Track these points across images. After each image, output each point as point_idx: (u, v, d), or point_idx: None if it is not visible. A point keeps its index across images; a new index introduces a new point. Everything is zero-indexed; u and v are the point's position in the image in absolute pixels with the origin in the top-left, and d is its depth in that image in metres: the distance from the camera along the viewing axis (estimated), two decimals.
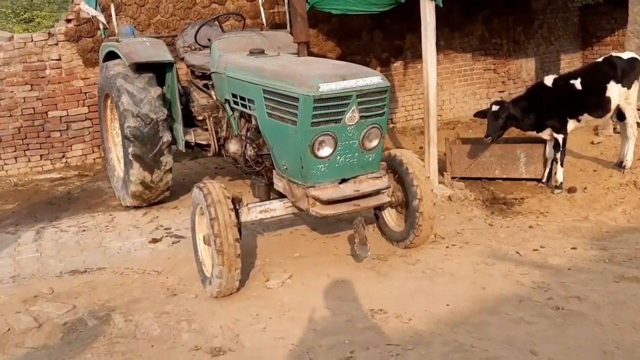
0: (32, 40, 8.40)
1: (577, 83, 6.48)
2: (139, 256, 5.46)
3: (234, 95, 5.40)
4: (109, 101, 6.80)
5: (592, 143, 8.29)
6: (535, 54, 12.34)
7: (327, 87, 4.15)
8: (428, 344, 3.68)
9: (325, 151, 4.35)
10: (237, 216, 4.51)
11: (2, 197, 7.51)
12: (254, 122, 5.18)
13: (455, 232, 5.56)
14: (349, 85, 4.22)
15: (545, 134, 6.61)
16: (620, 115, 6.76)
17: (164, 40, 6.76)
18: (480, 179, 7.09)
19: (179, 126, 6.37)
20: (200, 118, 6.40)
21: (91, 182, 8.05)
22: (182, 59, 6.73)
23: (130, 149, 6.12)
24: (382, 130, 4.54)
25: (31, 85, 8.46)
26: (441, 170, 6.94)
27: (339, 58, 9.82)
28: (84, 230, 6.16)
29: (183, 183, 7.60)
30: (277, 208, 4.83)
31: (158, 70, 6.36)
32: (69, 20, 8.55)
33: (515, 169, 6.94)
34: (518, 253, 5.01)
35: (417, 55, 10.62)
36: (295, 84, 4.29)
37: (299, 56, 5.10)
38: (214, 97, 6.15)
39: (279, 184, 4.89)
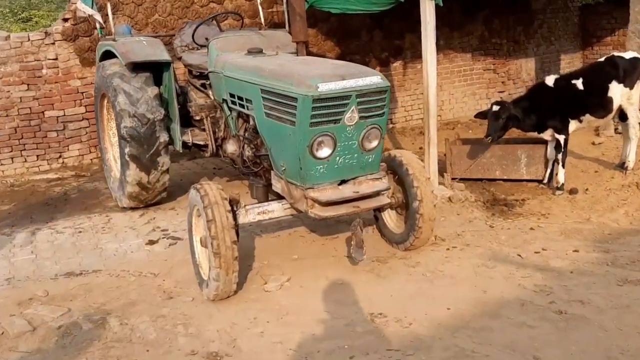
0: (28, 40, 8.32)
1: (579, 83, 6.41)
2: (136, 258, 5.39)
3: (232, 95, 5.33)
4: (106, 101, 6.72)
5: (593, 144, 8.23)
6: (535, 54, 12.29)
7: (326, 87, 4.08)
8: (428, 348, 3.62)
9: (324, 152, 4.28)
10: (235, 218, 4.45)
11: None
12: (251, 122, 5.11)
13: (456, 234, 5.50)
14: (348, 85, 4.16)
15: (547, 135, 6.55)
16: (622, 116, 6.70)
17: (162, 39, 6.69)
18: (481, 180, 7.03)
19: (176, 126, 6.30)
20: (197, 118, 6.32)
21: (88, 182, 7.98)
22: (180, 59, 6.65)
23: (127, 150, 6.05)
24: (382, 131, 4.48)
25: (28, 84, 8.39)
26: (441, 171, 6.88)
27: (338, 58, 9.75)
28: (80, 232, 6.09)
29: (180, 184, 7.53)
30: (276, 209, 4.76)
31: (155, 70, 6.29)
32: (66, 20, 8.48)
33: (516, 170, 6.87)
34: (519, 255, 4.95)
35: (417, 55, 10.57)
36: (294, 83, 4.22)
37: (297, 56, 5.03)
38: (212, 97, 6.08)
39: (277, 185, 4.82)
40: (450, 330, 3.80)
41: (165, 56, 6.14)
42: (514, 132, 6.95)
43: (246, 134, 5.33)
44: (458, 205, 6.25)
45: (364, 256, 4.51)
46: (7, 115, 8.34)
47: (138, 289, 4.78)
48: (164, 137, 6.14)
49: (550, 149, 6.62)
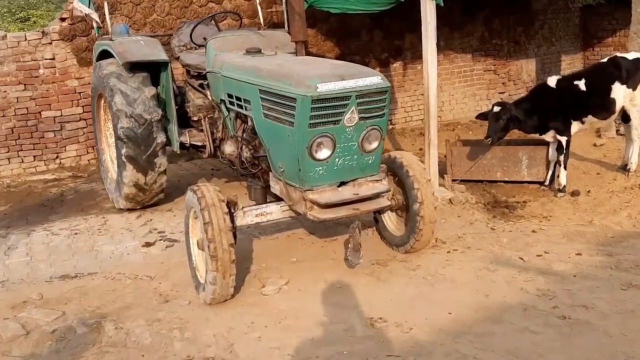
0: (25, 39, 8.24)
1: (581, 84, 6.34)
2: (132, 260, 5.31)
3: (230, 96, 5.26)
4: (103, 101, 6.65)
5: (595, 145, 8.16)
6: (536, 55, 12.23)
7: (326, 88, 4.01)
8: (429, 354, 3.54)
9: (323, 153, 4.21)
10: (232, 220, 4.37)
11: None
12: (250, 123, 5.04)
13: (457, 237, 5.42)
14: (348, 85, 4.09)
15: (549, 136, 6.47)
16: (624, 117, 6.63)
17: (160, 39, 6.61)
18: (481, 181, 6.95)
19: (173, 127, 6.22)
20: (195, 119, 6.25)
21: (85, 183, 7.90)
22: (178, 58, 6.58)
23: (124, 150, 5.98)
24: (382, 132, 4.40)
25: (24, 84, 8.31)
26: (441, 173, 6.80)
27: (338, 58, 9.68)
28: (76, 234, 6.01)
29: (178, 185, 7.45)
30: (274, 212, 4.69)
31: (152, 70, 6.21)
32: (63, 19, 8.40)
33: (517, 172, 6.80)
34: (521, 259, 4.88)
35: (417, 56, 10.52)
36: (293, 84, 4.15)
37: (296, 56, 4.95)
38: (210, 97, 6.01)
39: (276, 187, 4.75)
40: (451, 336, 3.72)
41: (162, 56, 6.06)
42: (514, 134, 6.88)
43: (244, 135, 5.26)
44: (459, 207, 6.18)
45: (361, 260, 4.44)
46: (3, 116, 8.26)
47: (134, 292, 4.71)
48: (161, 138, 6.07)
49: (552, 151, 6.55)
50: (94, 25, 6.93)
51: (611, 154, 7.69)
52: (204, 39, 6.07)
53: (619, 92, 6.34)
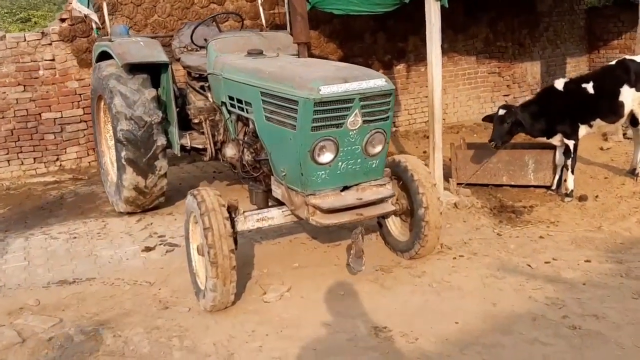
0: (25, 40, 8.16)
1: (590, 87, 6.22)
2: (131, 266, 5.20)
3: (231, 98, 5.16)
4: (102, 103, 6.56)
5: (602, 149, 8.05)
6: (541, 57, 12.13)
7: (329, 90, 3.91)
8: None
9: (326, 157, 4.11)
10: (233, 225, 4.27)
11: None
12: (251, 126, 4.94)
13: (463, 242, 5.31)
14: (351, 87, 3.98)
15: (556, 140, 6.35)
16: (633, 121, 6.49)
17: (160, 40, 6.52)
18: (487, 185, 6.84)
19: (174, 129, 6.13)
20: (196, 121, 6.15)
21: (85, 186, 7.81)
22: (178, 60, 6.48)
23: (123, 153, 5.88)
24: (386, 135, 4.30)
25: (24, 86, 8.24)
26: (446, 176, 6.68)
27: (341, 60, 9.58)
28: (75, 238, 5.91)
29: (179, 188, 7.36)
30: (276, 216, 4.58)
31: (153, 71, 6.12)
32: (63, 20, 8.33)
33: (523, 176, 6.68)
34: (529, 265, 4.76)
35: (420, 58, 10.45)
36: (295, 86, 4.04)
37: (299, 57, 4.85)
38: (211, 100, 5.91)
39: (278, 191, 4.64)
40: (458, 347, 3.61)
41: (162, 57, 5.97)
42: (520, 137, 6.76)
43: (246, 138, 5.16)
44: (464, 212, 6.06)
45: (363, 267, 4.33)
46: (3, 117, 8.18)
47: (133, 298, 4.60)
48: (161, 141, 5.97)
49: (559, 155, 6.43)
50: (94, 26, 6.84)
51: (618, 157, 7.57)
52: (205, 40, 5.99)
53: (628, 95, 6.22)
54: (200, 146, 6.13)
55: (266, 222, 4.55)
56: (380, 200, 4.40)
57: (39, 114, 8.36)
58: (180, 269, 4.93)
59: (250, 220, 4.46)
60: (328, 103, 3.93)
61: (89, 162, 8.65)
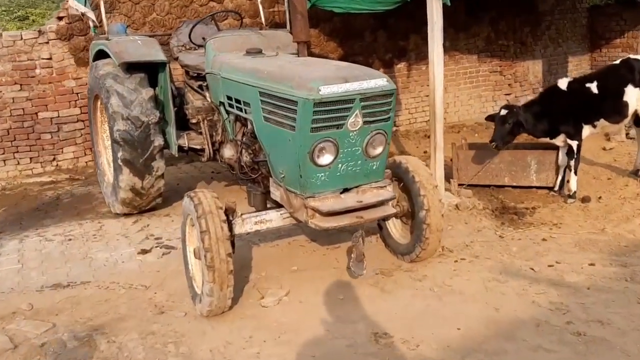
0: (21, 39, 8.07)
1: (593, 86, 6.13)
2: (127, 269, 5.11)
3: (229, 98, 5.07)
4: (99, 103, 6.46)
5: (604, 149, 7.96)
6: (543, 56, 12.03)
7: (328, 90, 3.82)
8: None
9: (325, 159, 4.01)
10: (230, 228, 4.17)
11: None
12: (249, 126, 4.84)
13: (464, 245, 5.22)
14: (352, 87, 3.89)
15: (559, 140, 6.26)
16: (637, 121, 6.42)
17: (158, 38, 6.43)
18: (488, 186, 6.75)
19: (171, 129, 6.03)
20: (194, 121, 6.06)
21: (82, 186, 7.72)
22: (176, 59, 6.39)
23: (120, 154, 5.79)
24: (387, 137, 4.20)
25: (20, 85, 8.15)
26: (447, 177, 6.59)
27: (341, 59, 9.50)
28: (70, 240, 5.82)
29: (177, 188, 7.27)
30: (274, 219, 4.49)
31: (150, 71, 6.03)
32: (60, 18, 8.23)
33: (525, 177, 6.59)
34: (532, 269, 4.67)
35: (421, 57, 10.37)
36: (294, 86, 3.95)
37: (298, 57, 4.76)
38: (209, 99, 5.82)
39: (276, 193, 4.55)
40: (460, 354, 3.52)
41: (160, 56, 5.88)
42: (522, 137, 6.66)
43: (244, 139, 5.06)
44: (466, 213, 5.97)
45: (364, 271, 4.24)
46: None
47: (128, 302, 4.51)
48: (158, 141, 5.88)
49: (562, 155, 6.34)
50: (91, 24, 6.75)
51: (621, 158, 7.48)
52: (203, 38, 5.88)
53: (632, 95, 6.13)
54: (198, 147, 6.04)
55: (264, 224, 4.46)
56: (381, 203, 4.30)
57: (36, 113, 8.27)
58: (176, 272, 4.84)
59: (248, 223, 4.38)
60: (328, 103, 3.83)
61: (86, 162, 8.56)
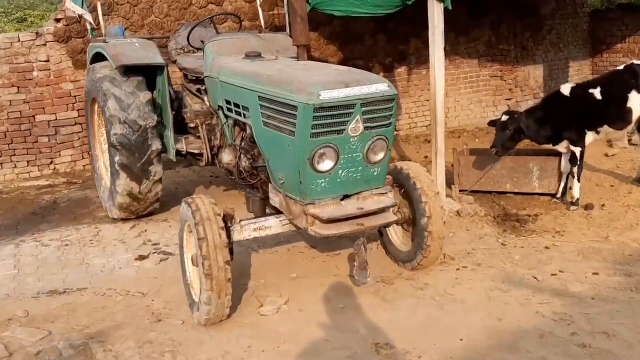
0: (19, 41, 8.00)
1: (597, 92, 6.06)
2: (124, 275, 5.03)
3: (228, 102, 5.00)
4: (96, 106, 6.39)
5: (607, 155, 7.89)
6: (544, 61, 11.96)
7: (329, 95, 3.75)
8: None
9: (326, 165, 3.94)
10: (229, 235, 4.11)
11: None
12: (249, 131, 4.78)
13: (466, 252, 5.15)
14: (352, 93, 3.82)
15: (562, 147, 6.19)
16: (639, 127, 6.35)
17: (157, 41, 6.35)
18: (490, 192, 6.67)
19: (169, 134, 5.96)
20: (192, 125, 5.99)
21: (79, 190, 7.64)
22: (175, 62, 6.31)
23: (117, 158, 5.72)
24: (388, 142, 4.14)
25: (18, 87, 8.06)
26: (448, 183, 6.51)
27: (341, 63, 9.44)
28: (67, 245, 5.74)
29: (175, 193, 7.21)
30: (273, 226, 4.42)
31: (148, 74, 5.95)
32: (58, 20, 8.15)
33: (527, 183, 6.52)
34: (535, 278, 4.60)
35: (422, 61, 10.30)
36: (294, 91, 3.88)
37: (298, 60, 4.69)
38: (208, 103, 5.75)
39: (276, 200, 4.48)
40: None
41: (158, 59, 5.81)
42: (525, 143, 6.59)
43: (243, 144, 4.99)
44: (467, 220, 5.90)
45: (368, 279, 4.17)
46: None
47: (125, 310, 4.44)
48: (156, 146, 5.81)
49: (565, 162, 6.26)
50: (88, 27, 6.67)
51: (624, 165, 7.42)
52: (202, 42, 5.82)
53: (636, 101, 6.05)
54: (197, 151, 5.96)
55: (263, 231, 4.39)
56: (382, 210, 4.23)
57: (33, 116, 8.19)
58: (174, 279, 4.77)
59: (247, 230, 4.31)
60: (328, 109, 3.77)
61: (84, 166, 8.48)
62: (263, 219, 4.45)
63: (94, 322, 4.27)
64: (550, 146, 6.29)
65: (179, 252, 4.44)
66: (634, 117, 6.12)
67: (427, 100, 10.18)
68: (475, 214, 6.01)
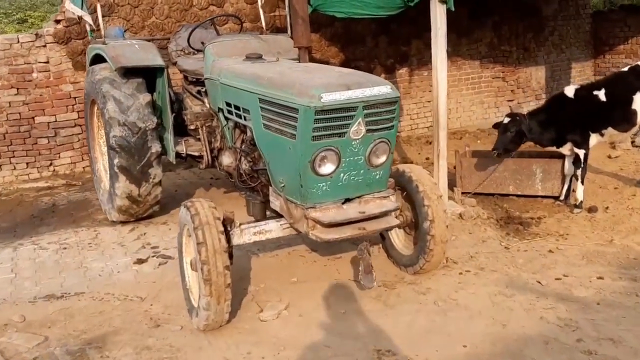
0: (18, 42, 7.95)
1: (601, 94, 5.99)
2: (122, 279, 4.97)
3: (228, 104, 4.94)
4: (96, 108, 6.33)
5: (610, 157, 7.82)
6: (546, 62, 11.91)
7: (330, 97, 3.69)
8: None
9: (327, 168, 3.88)
10: (228, 239, 4.05)
11: None
12: (249, 133, 4.72)
13: (469, 256, 5.08)
14: (354, 95, 3.76)
15: (566, 149, 6.12)
16: None
17: (157, 42, 6.31)
18: (492, 195, 6.61)
19: (169, 136, 5.90)
20: (192, 127, 5.93)
21: (78, 192, 7.59)
22: (175, 64, 6.26)
23: (116, 160, 5.66)
24: (390, 145, 4.08)
25: (17, 89, 8.02)
26: (450, 185, 6.45)
27: (343, 64, 9.39)
28: (65, 248, 5.68)
29: (175, 195, 7.15)
30: (274, 229, 4.36)
31: (148, 76, 5.90)
32: (57, 21, 8.11)
33: (530, 186, 6.45)
34: (539, 282, 4.53)
35: (423, 62, 10.25)
36: (295, 93, 3.82)
37: (299, 62, 4.63)
38: (208, 105, 5.69)
39: (276, 203, 4.41)
40: None
41: (158, 61, 5.75)
42: (527, 145, 6.52)
43: (243, 146, 4.93)
44: (470, 223, 5.84)
45: (374, 282, 4.09)
46: None
47: (123, 314, 4.38)
48: (156, 148, 5.75)
49: (569, 164, 6.20)
50: (88, 28, 6.62)
51: (628, 167, 7.35)
52: (202, 43, 5.77)
53: None
54: (197, 153, 5.90)
55: (263, 235, 4.33)
56: (384, 214, 4.17)
57: (33, 117, 8.15)
58: (173, 283, 4.71)
59: (247, 233, 4.25)
60: (330, 111, 3.71)
61: (84, 168, 8.42)
62: (263, 222, 4.38)
63: (91, 327, 4.22)
64: (553, 148, 6.22)
65: (178, 256, 4.38)
66: (639, 119, 6.05)
67: (428, 101, 10.12)
68: (478, 217, 5.95)
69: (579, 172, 6.06)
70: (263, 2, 7.08)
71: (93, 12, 6.63)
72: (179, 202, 6.36)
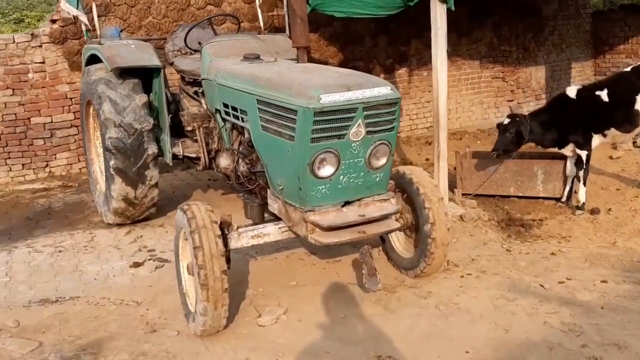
0: (13, 42, 7.86)
1: (604, 94, 5.93)
2: (118, 283, 4.90)
3: (225, 105, 4.86)
4: (91, 109, 6.25)
5: (611, 158, 7.76)
6: (546, 62, 11.84)
7: (330, 99, 3.61)
8: None
9: (326, 170, 3.81)
10: (226, 243, 3.97)
11: None
12: (246, 135, 4.64)
13: (470, 259, 5.02)
14: (354, 96, 3.69)
15: (568, 150, 6.05)
16: None
17: (153, 42, 6.23)
18: (493, 196, 6.54)
19: (166, 137, 5.82)
20: (189, 128, 5.84)
21: (74, 194, 7.51)
22: (172, 64, 6.18)
23: (112, 162, 5.58)
24: (391, 147, 4.00)
25: (13, 89, 7.93)
26: (451, 187, 6.38)
27: (341, 64, 9.31)
28: (60, 251, 5.60)
29: (172, 197, 7.07)
30: (272, 233, 4.28)
31: (144, 76, 5.82)
32: (53, 21, 8.02)
33: (532, 187, 6.38)
34: (542, 286, 4.46)
35: (423, 62, 10.18)
36: (293, 94, 3.74)
37: (298, 62, 4.56)
38: (205, 106, 5.61)
39: (274, 206, 4.34)
40: None
41: (154, 61, 5.67)
42: (528, 146, 6.45)
43: (241, 148, 4.86)
44: (471, 225, 5.77)
45: (379, 285, 4.00)
46: None
47: (118, 319, 4.30)
48: (152, 149, 5.68)
49: (570, 165, 6.13)
50: (83, 28, 6.54)
51: (629, 167, 7.28)
52: (199, 43, 5.70)
53: None
54: (194, 155, 5.82)
55: (262, 238, 4.25)
56: (385, 217, 4.11)
57: (28, 118, 8.06)
58: (169, 287, 4.64)
59: (245, 237, 4.17)
60: (329, 113, 3.63)
61: (80, 169, 8.34)
62: (261, 225, 4.31)
63: (86, 332, 4.14)
64: (555, 149, 6.16)
65: (175, 260, 4.30)
66: None
67: (428, 102, 10.05)
68: (479, 219, 5.89)
69: (581, 173, 6.00)
70: (261, 1, 7.01)
71: (89, 11, 6.54)
72: (176, 204, 6.28)
